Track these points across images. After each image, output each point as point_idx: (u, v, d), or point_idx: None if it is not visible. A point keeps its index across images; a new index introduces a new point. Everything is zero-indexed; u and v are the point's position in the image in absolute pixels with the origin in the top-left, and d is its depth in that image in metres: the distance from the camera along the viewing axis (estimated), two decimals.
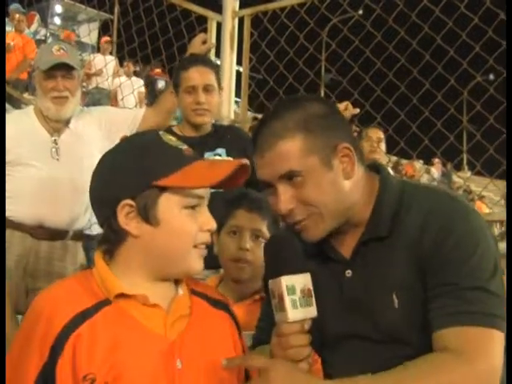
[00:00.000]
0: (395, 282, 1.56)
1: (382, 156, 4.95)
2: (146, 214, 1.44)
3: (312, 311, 1.45)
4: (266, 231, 2.38)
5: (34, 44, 10.27)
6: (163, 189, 1.44)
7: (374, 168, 1.69)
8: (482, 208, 13.33)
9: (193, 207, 1.46)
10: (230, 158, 3.12)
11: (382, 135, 4.95)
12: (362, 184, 1.61)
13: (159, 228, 1.45)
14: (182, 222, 1.45)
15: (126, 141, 1.56)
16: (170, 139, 1.51)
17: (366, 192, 1.62)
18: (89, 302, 1.43)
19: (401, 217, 1.58)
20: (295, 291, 1.43)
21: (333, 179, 1.55)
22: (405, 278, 1.55)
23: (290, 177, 1.53)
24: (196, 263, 1.49)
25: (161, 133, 1.53)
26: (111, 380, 1.36)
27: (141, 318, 1.44)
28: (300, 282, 1.45)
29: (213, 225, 1.49)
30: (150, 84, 13.13)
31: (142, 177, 1.43)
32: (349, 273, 1.63)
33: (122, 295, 1.44)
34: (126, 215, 1.44)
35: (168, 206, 1.44)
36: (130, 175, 1.44)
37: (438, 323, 1.48)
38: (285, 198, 1.54)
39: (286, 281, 1.43)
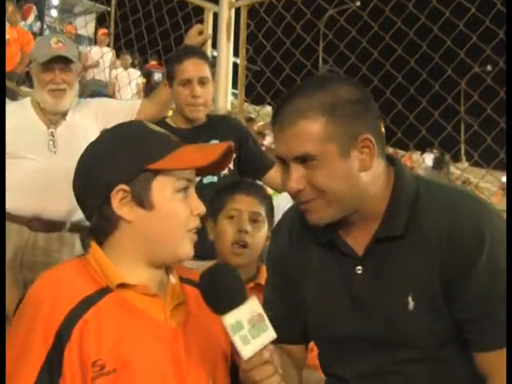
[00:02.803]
0: (412, 283, 1.52)
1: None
2: (140, 199, 1.45)
3: (268, 336, 1.37)
4: (264, 215, 2.40)
5: (30, 36, 10.22)
6: (156, 173, 1.45)
7: (389, 159, 1.63)
8: None
9: (184, 190, 1.48)
10: None
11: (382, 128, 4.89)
12: (382, 178, 1.57)
13: (153, 212, 1.46)
14: (176, 206, 1.47)
15: (109, 131, 1.56)
16: (155, 127, 1.53)
17: (381, 185, 1.57)
18: (90, 288, 1.43)
19: (418, 216, 1.53)
20: (242, 325, 1.36)
21: (347, 169, 1.50)
22: (424, 280, 1.51)
23: (304, 159, 1.50)
24: (188, 248, 1.50)
25: (145, 122, 1.55)
26: (120, 367, 1.37)
27: (143, 307, 1.45)
28: (245, 312, 1.37)
29: (202, 209, 1.50)
30: (147, 76, 13.13)
31: (135, 161, 1.45)
32: (359, 269, 1.58)
33: (122, 285, 1.45)
34: (119, 201, 1.45)
35: (161, 189, 1.46)
36: (122, 161, 1.45)
37: (483, 345, 1.49)
38: (296, 178, 1.51)
39: (228, 320, 1.36)
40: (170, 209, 1.46)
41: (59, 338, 1.36)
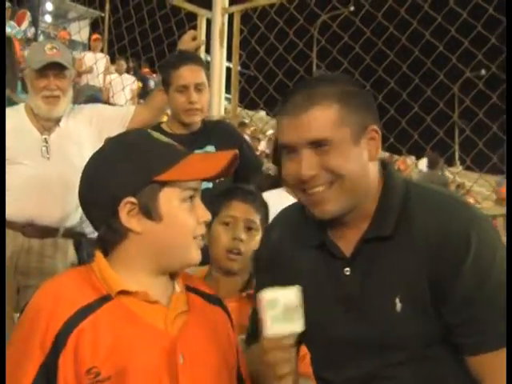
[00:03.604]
0: (400, 285, 1.53)
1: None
2: (148, 210, 1.45)
3: (296, 326, 1.42)
4: (259, 224, 2.38)
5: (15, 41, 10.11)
6: (163, 184, 1.45)
7: (381, 163, 1.65)
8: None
9: (190, 199, 1.49)
10: None
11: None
12: (375, 180, 1.59)
13: (162, 223, 1.46)
14: (183, 216, 1.48)
15: (113, 141, 1.55)
16: (160, 136, 1.53)
17: (375, 184, 1.59)
18: (90, 296, 1.44)
19: (406, 218, 1.55)
20: (277, 306, 1.40)
21: (359, 154, 1.52)
22: (412, 282, 1.52)
23: (318, 144, 1.50)
24: (196, 254, 1.51)
25: (149, 131, 1.55)
26: (115, 374, 1.37)
27: (142, 314, 1.46)
28: (285, 296, 1.42)
29: (208, 216, 1.52)
30: (143, 81, 13.14)
31: (142, 173, 1.45)
32: (347, 271, 1.59)
33: (123, 292, 1.46)
34: (127, 213, 1.45)
35: (168, 200, 1.46)
36: (128, 173, 1.45)
37: (473, 348, 1.49)
38: (309, 163, 1.51)
39: (267, 295, 1.41)
40: (178, 219, 1.47)
41: (55, 345, 1.37)
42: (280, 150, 1.60)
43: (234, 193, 2.42)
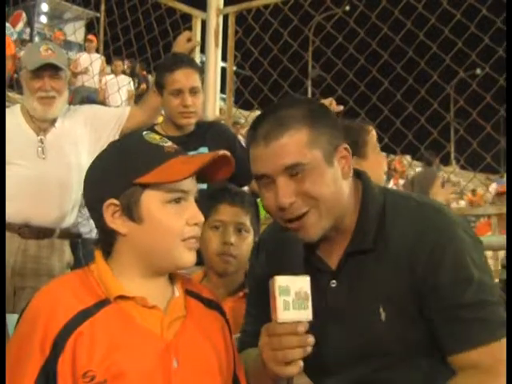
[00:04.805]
0: (382, 295, 1.56)
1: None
2: (131, 212, 1.47)
3: (305, 315, 1.43)
4: (249, 225, 2.39)
5: (8, 39, 10.06)
6: (145, 186, 1.47)
7: (355, 173, 1.67)
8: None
9: (176, 201, 1.49)
10: None
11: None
12: (351, 189, 1.62)
13: (144, 225, 1.48)
14: (166, 218, 1.48)
15: (109, 144, 1.59)
16: (153, 138, 1.54)
17: (352, 198, 1.61)
18: (89, 300, 1.46)
19: (386, 229, 1.58)
20: (289, 292, 1.42)
21: (333, 175, 1.54)
22: (393, 291, 1.55)
23: (293, 170, 1.51)
24: (185, 257, 1.50)
25: (144, 133, 1.56)
26: (110, 378, 1.38)
27: (139, 319, 1.47)
28: (296, 283, 1.43)
29: (200, 218, 1.51)
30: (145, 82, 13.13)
31: (123, 176, 1.47)
32: (333, 283, 1.62)
33: (121, 296, 1.48)
34: (112, 215, 1.48)
35: (150, 202, 1.47)
36: (111, 175, 1.49)
37: (457, 346, 1.51)
38: (286, 191, 1.52)
39: (280, 281, 1.42)
40: (161, 221, 1.48)
41: (54, 349, 1.38)
42: (256, 181, 1.61)
43: (222, 196, 2.43)
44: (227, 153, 1.52)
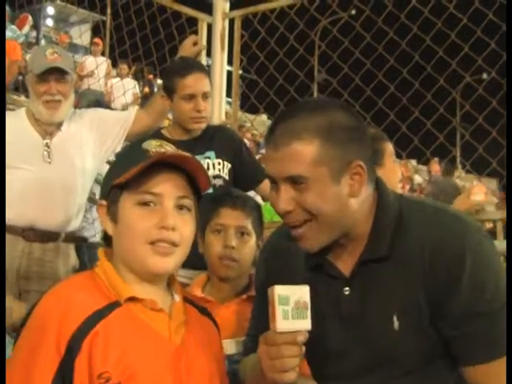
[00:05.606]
0: (397, 303, 1.54)
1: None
2: (111, 213, 1.54)
3: (304, 324, 1.43)
4: (250, 228, 2.38)
5: (14, 43, 10.07)
6: (122, 188, 1.51)
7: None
8: None
9: (146, 204, 1.50)
10: (220, 160, 3.16)
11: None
12: (367, 203, 1.57)
13: (118, 226, 1.53)
14: (133, 219, 1.51)
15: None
16: (150, 144, 1.55)
17: (367, 207, 1.58)
18: (101, 302, 1.47)
19: (401, 237, 1.55)
20: (288, 302, 1.42)
21: (337, 193, 1.49)
22: (408, 301, 1.53)
23: (295, 180, 1.49)
24: (153, 261, 1.50)
25: (145, 142, 1.57)
26: (124, 380, 1.40)
27: (149, 322, 1.49)
28: (296, 293, 1.43)
29: (166, 222, 1.49)
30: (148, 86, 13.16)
31: (109, 179, 1.56)
32: (347, 290, 1.60)
33: (131, 298, 1.49)
34: (103, 216, 1.56)
35: (124, 204, 1.52)
36: (105, 179, 1.59)
37: (472, 359, 1.50)
38: (285, 199, 1.51)
39: (279, 290, 1.42)
40: (128, 222, 1.51)
41: (70, 349, 1.39)
42: (269, 180, 1.60)
43: (223, 199, 2.42)
44: (187, 155, 1.54)
